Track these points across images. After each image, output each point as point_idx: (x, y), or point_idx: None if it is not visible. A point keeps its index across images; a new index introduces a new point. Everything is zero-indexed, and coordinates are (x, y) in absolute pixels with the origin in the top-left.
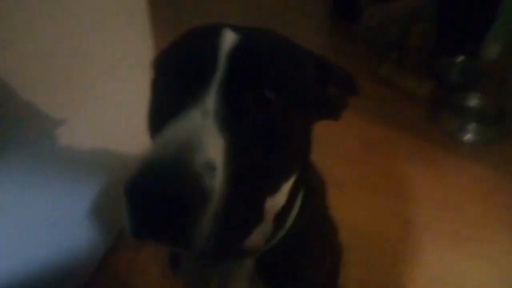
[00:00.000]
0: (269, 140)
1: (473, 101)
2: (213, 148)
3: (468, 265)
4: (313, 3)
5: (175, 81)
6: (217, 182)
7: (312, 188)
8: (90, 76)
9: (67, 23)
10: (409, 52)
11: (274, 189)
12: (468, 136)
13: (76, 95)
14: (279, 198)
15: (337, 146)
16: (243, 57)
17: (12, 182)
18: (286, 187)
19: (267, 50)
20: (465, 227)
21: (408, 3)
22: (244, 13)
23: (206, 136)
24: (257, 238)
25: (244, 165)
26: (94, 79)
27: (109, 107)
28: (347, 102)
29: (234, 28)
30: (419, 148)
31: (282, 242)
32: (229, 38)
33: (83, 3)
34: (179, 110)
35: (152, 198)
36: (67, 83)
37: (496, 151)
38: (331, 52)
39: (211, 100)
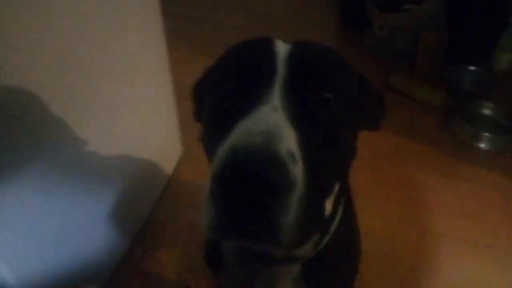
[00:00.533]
0: (330, 135)
1: (486, 110)
2: (291, 139)
3: (486, 273)
4: (323, 13)
5: (236, 87)
6: (299, 171)
7: (350, 196)
8: (108, 84)
9: (85, 34)
10: (420, 61)
11: (332, 187)
12: (482, 145)
13: (94, 103)
14: (327, 204)
15: None
16: (300, 61)
17: (35, 188)
18: (334, 192)
19: (321, 56)
20: (482, 235)
21: (418, 13)
22: (253, 24)
23: (284, 128)
24: (309, 244)
25: (313, 158)
26: (112, 87)
27: (127, 114)
28: (383, 114)
29: (282, 40)
30: (433, 156)
31: (326, 248)
32: (282, 46)
33: (100, 15)
34: (248, 109)
35: (243, 186)
36: (85, 91)
37: (511, 159)
38: None
39: (277, 98)
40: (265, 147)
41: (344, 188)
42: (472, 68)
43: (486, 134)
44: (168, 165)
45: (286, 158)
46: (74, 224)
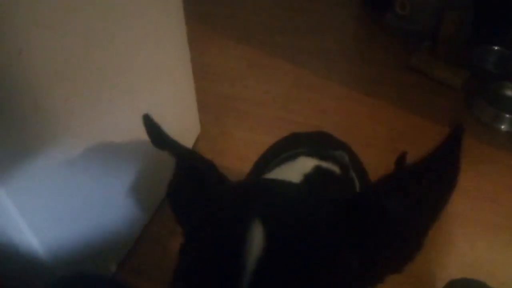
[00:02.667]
0: None
1: (509, 91)
2: None
3: (501, 255)
4: None
5: None
6: None
7: None
8: (128, 63)
9: (105, 11)
10: (442, 41)
11: None
12: (503, 126)
13: (114, 81)
14: None
15: (366, 134)
16: (269, 284)
17: (61, 160)
18: None
19: (301, 271)
20: (499, 217)
21: None
22: (275, 4)
23: None
24: None
25: None
26: (132, 65)
27: (146, 92)
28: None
29: (268, 212)
30: None
31: None
32: (255, 248)
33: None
34: None
35: None
36: (106, 70)
37: None
38: (362, 41)
39: None
40: None
41: None
42: (496, 48)
43: (508, 115)
44: (186, 143)
45: None
46: (96, 197)
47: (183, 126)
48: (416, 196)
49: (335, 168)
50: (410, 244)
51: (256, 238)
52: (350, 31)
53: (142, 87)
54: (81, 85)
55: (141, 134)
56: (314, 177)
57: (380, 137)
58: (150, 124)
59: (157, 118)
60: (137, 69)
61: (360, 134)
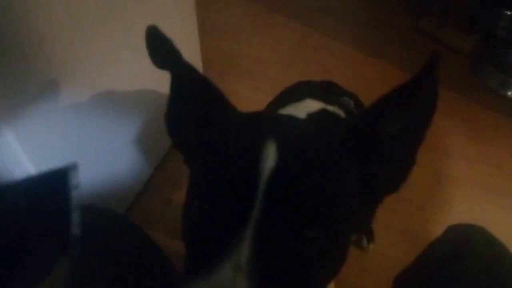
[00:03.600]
0: (301, 276)
1: None
2: None
3: (500, 217)
4: None
5: (211, 208)
6: None
7: None
8: (133, 19)
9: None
10: (452, 4)
11: None
12: (510, 92)
13: (120, 34)
14: None
15: (372, 96)
16: (283, 192)
17: (66, 106)
18: None
19: (310, 180)
20: (498, 180)
21: None
22: None
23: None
24: None
25: None
26: (137, 21)
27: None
28: (405, 173)
29: (278, 134)
30: (457, 102)
31: None
32: (271, 156)
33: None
34: (210, 259)
35: None
36: (112, 24)
37: None
38: (372, 2)
39: (244, 252)
40: None
41: None
42: (508, 12)
43: None
44: None
45: None
46: (101, 144)
47: None
48: (405, 116)
49: (340, 112)
50: (404, 160)
51: (271, 151)
52: None
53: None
54: (86, 30)
55: (145, 86)
56: (318, 117)
57: None
58: (154, 35)
59: (160, 74)
60: (141, 19)
61: (366, 96)
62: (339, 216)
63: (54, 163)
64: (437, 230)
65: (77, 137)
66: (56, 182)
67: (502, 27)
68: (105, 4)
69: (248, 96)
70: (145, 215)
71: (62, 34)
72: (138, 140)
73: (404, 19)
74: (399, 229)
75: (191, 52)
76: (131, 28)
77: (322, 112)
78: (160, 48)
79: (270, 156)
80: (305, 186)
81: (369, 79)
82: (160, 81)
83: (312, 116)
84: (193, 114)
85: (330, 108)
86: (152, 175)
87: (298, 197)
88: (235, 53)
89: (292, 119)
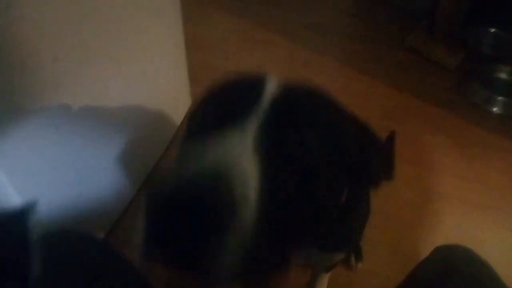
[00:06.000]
0: (305, 182)
1: (503, 74)
2: (248, 171)
3: (488, 234)
4: None
5: (217, 113)
6: (248, 213)
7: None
8: (120, 33)
9: None
10: (439, 20)
11: (305, 237)
12: (495, 109)
13: (105, 49)
14: None
15: (358, 111)
16: (287, 97)
17: (47, 122)
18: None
19: (311, 98)
20: (486, 197)
21: None
22: None
23: (246, 163)
24: None
25: (275, 201)
26: (124, 36)
27: (138, 62)
28: (390, 173)
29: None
30: (444, 118)
31: None
32: (274, 82)
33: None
34: (220, 125)
35: (178, 205)
36: (97, 38)
37: None
38: (359, 18)
39: (251, 127)
40: (213, 189)
41: None
42: (493, 30)
43: (500, 98)
44: (176, 116)
45: (233, 201)
46: (84, 164)
47: (174, 99)
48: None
49: None
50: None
51: (271, 85)
52: (345, 7)
53: (132, 55)
54: (69, 46)
55: (130, 104)
56: None
57: (372, 115)
58: None
59: (147, 89)
60: (127, 36)
61: (353, 111)
62: (335, 137)
63: (33, 183)
64: (426, 247)
65: (57, 157)
66: (14, 223)
67: (487, 44)
68: (89, 21)
69: None
70: (128, 235)
71: (45, 50)
72: (120, 160)
73: (391, 35)
74: (388, 247)
75: (178, 67)
76: (115, 46)
77: None
78: None
79: (271, 86)
80: (308, 102)
81: (355, 94)
82: (143, 100)
83: None
84: None
85: None
86: (135, 196)
87: (301, 106)
88: (223, 69)
89: None
